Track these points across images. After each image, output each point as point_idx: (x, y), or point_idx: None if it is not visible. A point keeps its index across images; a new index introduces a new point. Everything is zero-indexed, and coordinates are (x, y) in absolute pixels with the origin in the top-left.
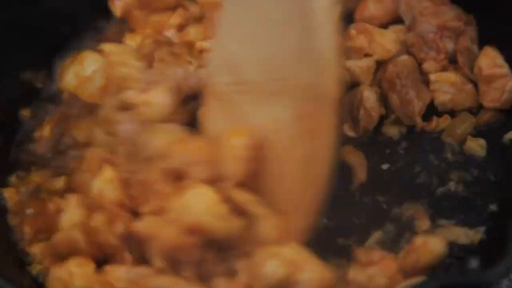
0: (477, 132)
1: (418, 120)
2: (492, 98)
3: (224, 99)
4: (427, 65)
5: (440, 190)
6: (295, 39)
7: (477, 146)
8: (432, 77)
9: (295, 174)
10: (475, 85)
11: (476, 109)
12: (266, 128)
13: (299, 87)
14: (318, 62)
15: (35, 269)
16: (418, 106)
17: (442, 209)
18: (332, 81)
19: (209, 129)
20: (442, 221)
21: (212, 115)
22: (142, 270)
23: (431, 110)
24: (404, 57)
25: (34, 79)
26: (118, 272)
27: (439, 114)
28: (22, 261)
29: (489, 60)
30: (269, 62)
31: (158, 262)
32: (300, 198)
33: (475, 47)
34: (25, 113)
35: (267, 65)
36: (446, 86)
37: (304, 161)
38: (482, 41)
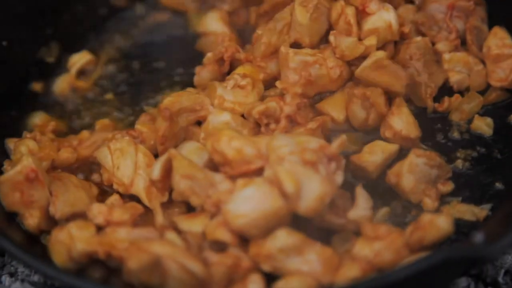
0: (484, 111)
1: (430, 103)
2: (499, 77)
3: None
4: (441, 45)
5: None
6: None
7: (484, 125)
8: (446, 56)
9: None
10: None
11: (484, 88)
12: None
13: None
14: None
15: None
16: (430, 89)
17: None
18: None
19: None
20: (448, 198)
21: None
22: (143, 231)
23: (443, 91)
24: (418, 38)
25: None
26: (119, 233)
27: (450, 94)
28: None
29: (498, 40)
30: None
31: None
32: None
33: (485, 27)
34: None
35: None
36: (460, 65)
37: None
38: (493, 22)
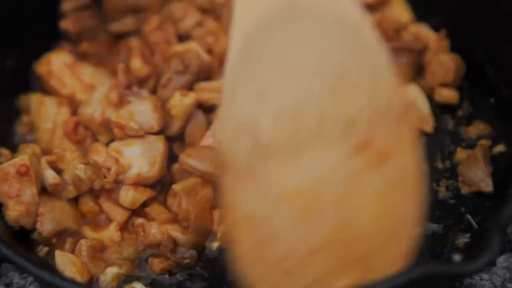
0: (467, 145)
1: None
2: None
3: (246, 173)
4: None
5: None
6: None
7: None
8: None
9: (376, 210)
10: None
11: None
12: (312, 187)
13: (349, 121)
14: (377, 79)
15: None
16: None
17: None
18: (391, 93)
19: (236, 214)
20: (432, 225)
21: (236, 195)
22: None
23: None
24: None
25: None
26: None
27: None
28: None
29: None
30: (296, 111)
31: None
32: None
33: None
34: None
35: (293, 116)
36: None
37: (382, 193)
38: None
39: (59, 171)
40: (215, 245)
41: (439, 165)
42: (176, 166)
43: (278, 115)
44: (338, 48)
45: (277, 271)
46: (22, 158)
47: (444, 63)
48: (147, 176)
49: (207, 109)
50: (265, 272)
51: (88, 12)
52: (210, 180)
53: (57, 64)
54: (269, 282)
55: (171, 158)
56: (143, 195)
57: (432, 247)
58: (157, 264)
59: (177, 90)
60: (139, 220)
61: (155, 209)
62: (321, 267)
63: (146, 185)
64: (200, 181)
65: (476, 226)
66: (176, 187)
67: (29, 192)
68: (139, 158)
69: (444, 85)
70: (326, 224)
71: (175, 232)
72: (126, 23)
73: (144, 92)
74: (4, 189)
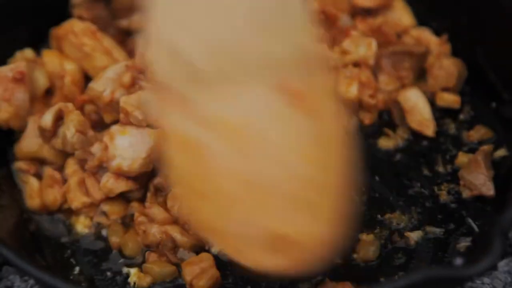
0: (468, 149)
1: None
2: None
3: (178, 96)
4: None
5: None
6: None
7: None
8: None
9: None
10: None
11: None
12: (244, 121)
13: (273, 62)
14: (294, 26)
15: None
16: None
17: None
18: (308, 42)
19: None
20: (432, 228)
21: (170, 118)
22: None
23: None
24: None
25: None
26: None
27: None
28: None
29: None
30: (225, 45)
31: None
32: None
33: None
34: None
35: (223, 49)
36: None
37: (307, 142)
38: None
39: (58, 119)
40: (216, 249)
41: (441, 169)
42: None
43: (206, 46)
44: None
45: (212, 203)
46: (20, 64)
47: (446, 67)
48: (126, 170)
49: None
50: (201, 201)
51: (99, 5)
52: None
53: (79, 27)
54: (204, 211)
55: None
56: (121, 186)
57: (433, 251)
58: (153, 259)
59: None
60: (141, 218)
61: (155, 210)
62: (252, 208)
63: (129, 178)
64: None
65: (477, 230)
66: (178, 190)
67: (22, 97)
68: (125, 150)
69: (445, 89)
70: (256, 159)
71: (175, 233)
72: (134, 20)
73: None
74: None
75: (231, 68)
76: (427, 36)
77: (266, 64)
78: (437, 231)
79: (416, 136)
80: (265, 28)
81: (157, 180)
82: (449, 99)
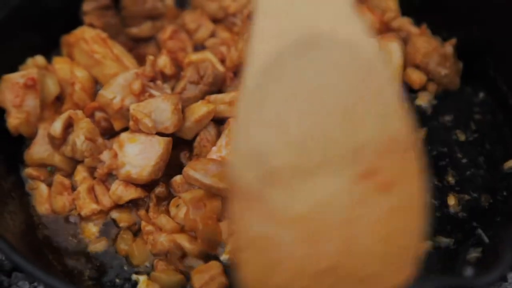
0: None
1: None
2: None
3: (253, 198)
4: None
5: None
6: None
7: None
8: None
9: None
10: None
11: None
12: (317, 211)
13: (358, 150)
14: (384, 110)
15: None
16: None
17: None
18: (398, 124)
19: (243, 236)
20: (441, 238)
21: (243, 219)
22: None
23: None
24: None
25: None
26: None
27: None
28: None
29: None
30: (305, 139)
31: None
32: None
33: None
34: None
35: (302, 143)
36: None
37: (385, 219)
38: None
39: (68, 126)
40: (225, 257)
41: (450, 179)
42: (177, 179)
43: (288, 143)
44: (350, 79)
45: None
46: (31, 71)
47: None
48: (135, 177)
49: (218, 121)
50: None
51: (109, 12)
52: (214, 194)
53: (90, 34)
54: None
55: (178, 166)
56: (130, 193)
57: (443, 262)
58: (162, 267)
59: (189, 100)
60: (149, 228)
61: (162, 219)
62: None
63: (138, 185)
64: (207, 193)
65: (487, 241)
66: (185, 197)
67: (32, 103)
68: (134, 158)
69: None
70: (330, 248)
71: (183, 241)
72: (143, 29)
73: (167, 88)
74: (10, 97)
75: (310, 161)
76: (407, 26)
77: (350, 152)
78: (446, 241)
79: (426, 145)
80: (352, 116)
81: (158, 190)
82: (413, 76)
